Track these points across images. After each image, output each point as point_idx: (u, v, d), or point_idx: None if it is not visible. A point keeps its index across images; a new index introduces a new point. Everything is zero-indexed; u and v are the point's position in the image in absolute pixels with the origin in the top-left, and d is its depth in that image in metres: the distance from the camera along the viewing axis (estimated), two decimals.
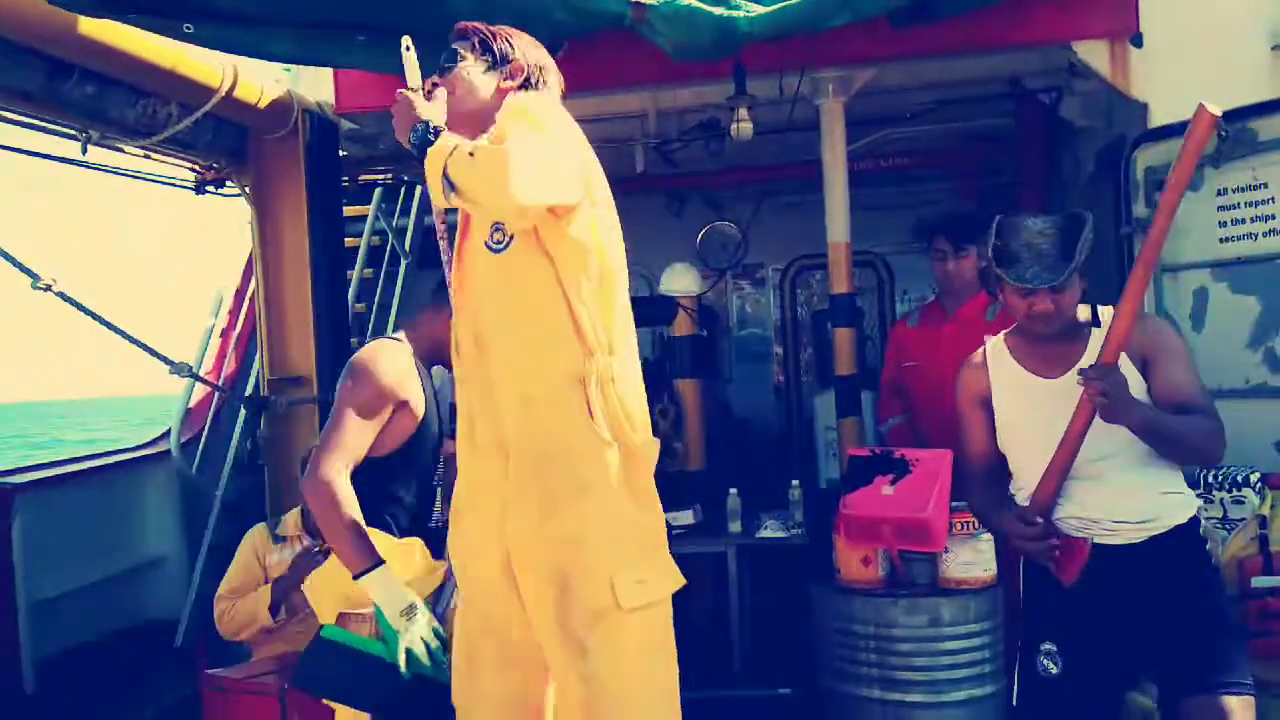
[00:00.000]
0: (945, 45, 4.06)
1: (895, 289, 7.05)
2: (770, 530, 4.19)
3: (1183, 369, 2.56)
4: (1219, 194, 3.82)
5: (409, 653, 2.39)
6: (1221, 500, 3.38)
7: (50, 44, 3.48)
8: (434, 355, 2.71)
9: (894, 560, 3.56)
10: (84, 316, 4.09)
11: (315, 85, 4.68)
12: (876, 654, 3.53)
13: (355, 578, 2.42)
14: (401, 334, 2.75)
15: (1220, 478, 3.39)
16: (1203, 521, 2.59)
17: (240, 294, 6.05)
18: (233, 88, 4.21)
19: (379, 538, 2.52)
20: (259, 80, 4.42)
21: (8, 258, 3.74)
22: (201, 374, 5.32)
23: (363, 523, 2.47)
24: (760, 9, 3.36)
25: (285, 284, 4.78)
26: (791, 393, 7.02)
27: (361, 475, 2.52)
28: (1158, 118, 4.01)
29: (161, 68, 3.84)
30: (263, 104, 4.47)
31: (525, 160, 1.97)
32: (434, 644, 2.43)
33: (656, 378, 5.32)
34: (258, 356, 5.05)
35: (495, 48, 2.31)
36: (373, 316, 6.44)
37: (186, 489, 5.30)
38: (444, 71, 2.30)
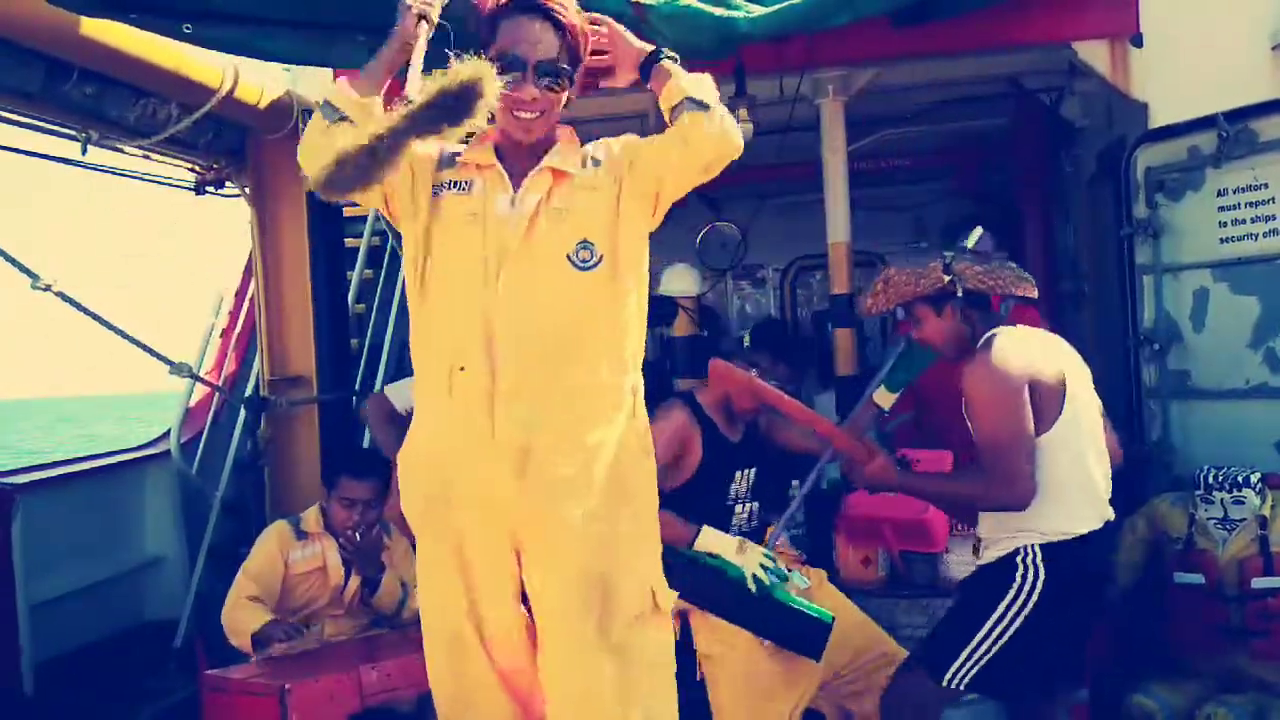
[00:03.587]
0: (945, 45, 4.06)
1: None
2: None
3: (978, 419, 2.72)
4: (1219, 194, 3.82)
5: (754, 577, 3.00)
6: (1222, 501, 3.37)
7: (50, 44, 3.48)
8: (722, 406, 3.29)
9: (894, 560, 3.57)
10: (85, 316, 4.09)
11: (315, 85, 4.67)
12: None
13: (692, 543, 3.05)
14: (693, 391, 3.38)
15: (1221, 478, 3.39)
16: (1023, 566, 2.76)
17: (240, 294, 6.06)
18: (233, 88, 4.21)
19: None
20: (259, 80, 4.42)
21: (8, 258, 3.73)
22: (202, 374, 5.32)
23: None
24: (760, 9, 3.36)
25: (285, 284, 4.78)
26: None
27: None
28: (1158, 118, 4.01)
29: (161, 68, 3.85)
30: (263, 104, 4.47)
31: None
32: (769, 564, 3.02)
33: (656, 378, 5.32)
34: (258, 357, 5.05)
35: (581, 58, 2.30)
36: (373, 317, 6.43)
37: (186, 489, 5.30)
38: (551, 80, 2.22)
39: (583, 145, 2.36)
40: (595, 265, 2.23)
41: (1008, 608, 2.74)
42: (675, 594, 2.35)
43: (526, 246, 2.21)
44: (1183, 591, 3.42)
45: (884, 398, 3.22)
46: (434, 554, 2.33)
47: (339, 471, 3.76)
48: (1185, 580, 3.42)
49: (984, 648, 2.76)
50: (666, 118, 2.23)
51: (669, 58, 2.26)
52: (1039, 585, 2.72)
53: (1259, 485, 3.37)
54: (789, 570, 3.11)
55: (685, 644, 3.13)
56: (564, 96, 2.26)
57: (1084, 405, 2.82)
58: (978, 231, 3.20)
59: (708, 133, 2.18)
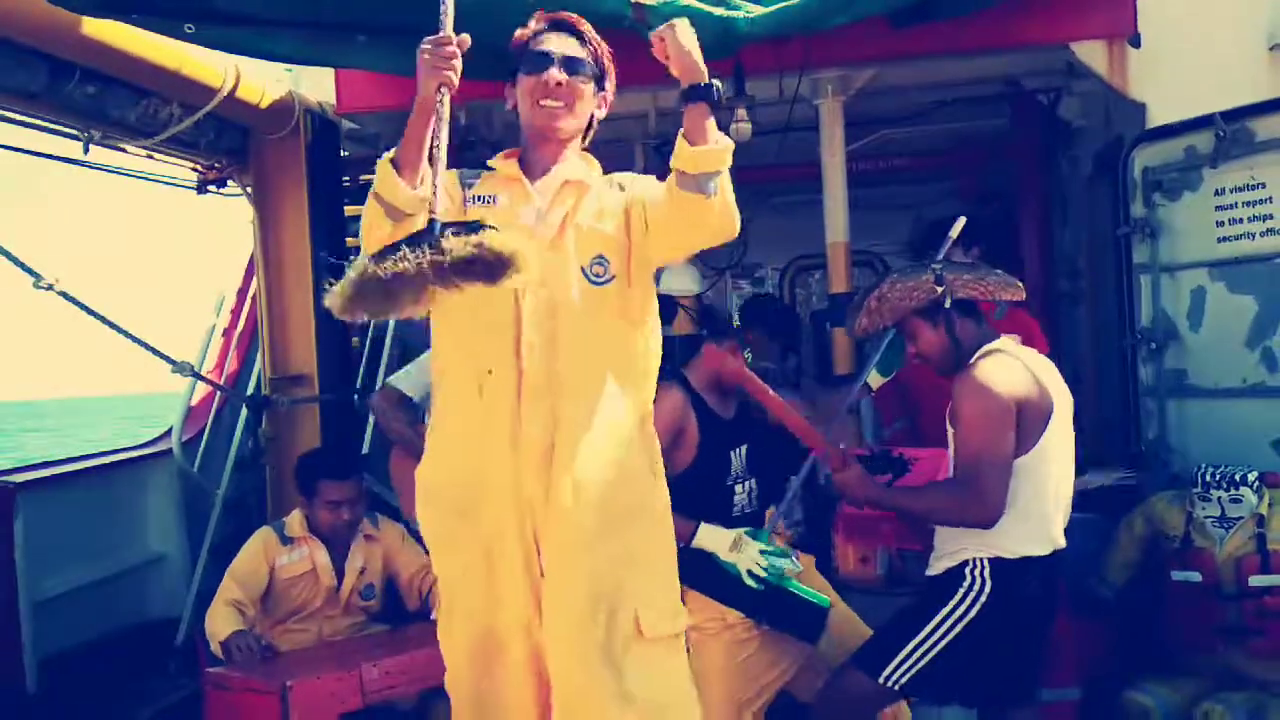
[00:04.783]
0: (944, 45, 4.07)
1: None
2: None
3: (964, 434, 2.77)
4: (1216, 194, 3.83)
5: (749, 573, 3.00)
6: (1219, 499, 3.39)
7: (52, 44, 3.48)
8: (713, 384, 3.23)
9: (893, 558, 3.58)
10: (86, 316, 4.09)
11: (317, 85, 4.69)
12: None
13: (690, 540, 3.01)
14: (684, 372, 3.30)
15: (1218, 476, 3.40)
16: (970, 580, 2.84)
17: (242, 293, 6.06)
18: (234, 88, 4.22)
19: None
20: (260, 80, 4.42)
21: (10, 257, 3.74)
22: (203, 373, 5.33)
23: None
24: (760, 9, 3.37)
25: (287, 283, 4.79)
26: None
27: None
28: (1156, 118, 4.03)
29: (163, 68, 3.85)
30: (264, 104, 4.47)
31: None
32: (764, 561, 3.01)
33: (656, 377, 5.31)
34: (259, 356, 5.06)
35: (606, 75, 2.41)
36: None
37: (188, 488, 5.30)
38: (575, 72, 2.33)
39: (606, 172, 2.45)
40: (608, 281, 2.31)
41: (950, 612, 2.81)
42: (660, 622, 2.33)
43: (551, 257, 2.27)
44: (1180, 589, 3.43)
45: (875, 380, 3.29)
46: (459, 565, 2.36)
47: (316, 477, 3.77)
48: (1182, 578, 3.43)
49: (922, 649, 2.82)
50: (673, 172, 2.21)
51: (714, 103, 2.17)
52: (984, 596, 2.80)
53: (1256, 483, 3.39)
54: (784, 549, 3.13)
55: None
56: (589, 95, 2.36)
57: (1062, 432, 2.87)
58: (961, 221, 3.22)
59: (708, 223, 2.21)
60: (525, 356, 2.26)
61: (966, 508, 2.73)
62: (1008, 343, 2.94)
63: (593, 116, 2.44)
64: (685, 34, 2.14)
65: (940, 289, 2.86)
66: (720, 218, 2.19)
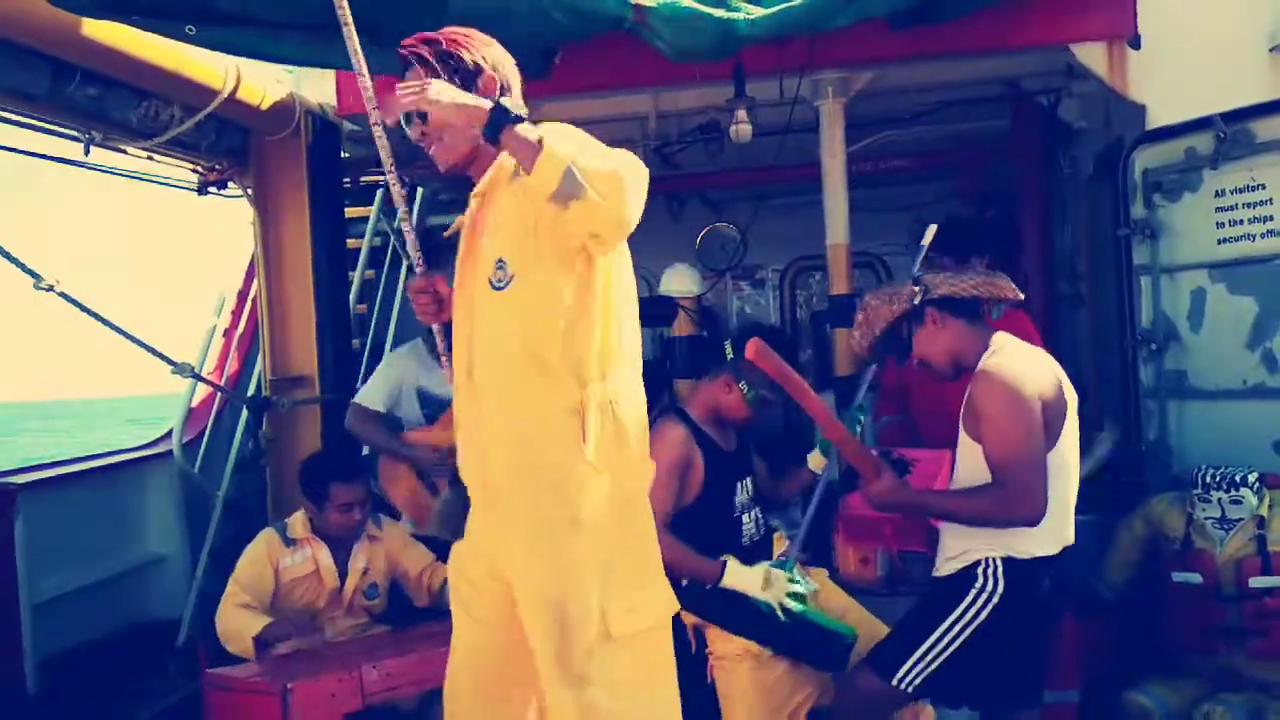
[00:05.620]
0: (944, 47, 4.08)
1: None
2: None
3: (994, 433, 2.71)
4: (1217, 195, 3.84)
5: (782, 607, 3.06)
6: (1219, 500, 3.39)
7: (53, 46, 3.49)
8: (712, 417, 3.28)
9: (894, 559, 3.58)
10: (87, 317, 4.09)
11: (317, 87, 4.69)
12: None
13: (719, 580, 3.07)
14: (684, 404, 3.37)
15: (1218, 478, 3.40)
16: (982, 580, 2.83)
17: (243, 294, 6.07)
18: (235, 89, 4.22)
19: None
20: (261, 82, 4.43)
21: (10, 258, 3.74)
22: (204, 374, 5.33)
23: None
24: (760, 11, 3.38)
25: (287, 285, 4.79)
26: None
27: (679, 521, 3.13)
28: (1156, 119, 4.03)
29: (164, 69, 3.86)
30: (265, 105, 4.48)
31: (628, 177, 1.98)
32: (795, 590, 3.09)
33: (656, 378, 5.31)
34: (260, 357, 5.06)
35: (456, 61, 2.26)
36: (374, 318, 6.45)
37: (188, 489, 5.31)
38: (417, 121, 2.25)
39: None
40: (508, 284, 2.18)
41: (963, 614, 2.80)
42: (630, 618, 2.23)
43: (469, 279, 2.30)
44: (1180, 591, 3.43)
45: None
46: (454, 596, 2.46)
47: (327, 481, 3.77)
48: (1183, 579, 3.43)
49: (935, 651, 2.81)
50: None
51: (514, 119, 2.02)
52: (996, 596, 2.78)
53: (1256, 485, 3.39)
54: (804, 578, 3.14)
55: (688, 648, 3.14)
56: (447, 121, 2.12)
57: (1074, 429, 2.86)
58: (932, 229, 3.24)
59: (596, 215, 1.99)
60: (464, 394, 2.33)
61: (1012, 508, 2.68)
62: (1012, 339, 2.93)
63: (493, 91, 2.26)
64: (443, 93, 2.05)
65: (918, 289, 2.90)
66: (605, 205, 1.95)
